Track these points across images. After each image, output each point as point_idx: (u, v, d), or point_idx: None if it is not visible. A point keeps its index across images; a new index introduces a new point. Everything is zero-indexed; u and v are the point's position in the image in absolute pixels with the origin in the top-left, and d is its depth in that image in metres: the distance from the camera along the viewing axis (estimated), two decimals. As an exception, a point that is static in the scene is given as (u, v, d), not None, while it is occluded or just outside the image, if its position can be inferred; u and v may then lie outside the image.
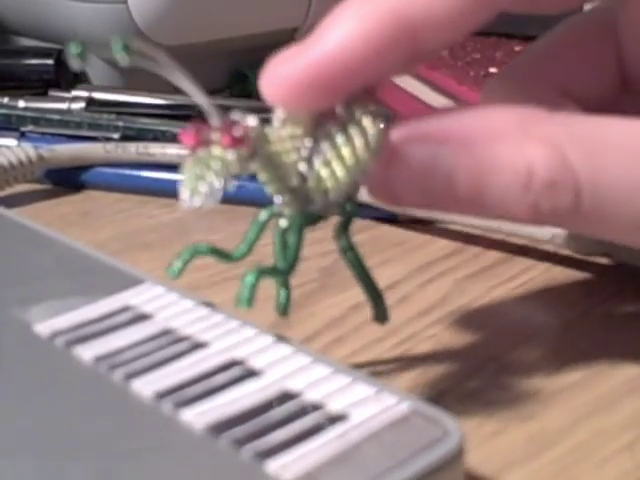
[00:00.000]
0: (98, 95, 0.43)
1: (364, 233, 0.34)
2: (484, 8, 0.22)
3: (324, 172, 0.21)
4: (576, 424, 0.23)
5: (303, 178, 0.21)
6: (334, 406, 0.19)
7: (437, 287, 0.30)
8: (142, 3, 0.43)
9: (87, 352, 0.21)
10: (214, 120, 0.20)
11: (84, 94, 0.43)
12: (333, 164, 0.21)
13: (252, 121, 0.21)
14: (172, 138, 0.39)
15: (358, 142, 0.21)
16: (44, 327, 0.22)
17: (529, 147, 0.21)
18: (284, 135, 0.22)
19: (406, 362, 0.26)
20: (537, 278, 0.31)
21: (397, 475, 0.17)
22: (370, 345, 0.27)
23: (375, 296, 0.24)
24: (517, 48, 0.46)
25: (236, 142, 0.20)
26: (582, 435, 0.23)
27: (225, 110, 0.20)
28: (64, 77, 0.46)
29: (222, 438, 0.18)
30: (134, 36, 0.20)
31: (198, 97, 0.20)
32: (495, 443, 0.23)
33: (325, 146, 0.21)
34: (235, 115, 0.21)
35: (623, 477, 0.22)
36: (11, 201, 0.36)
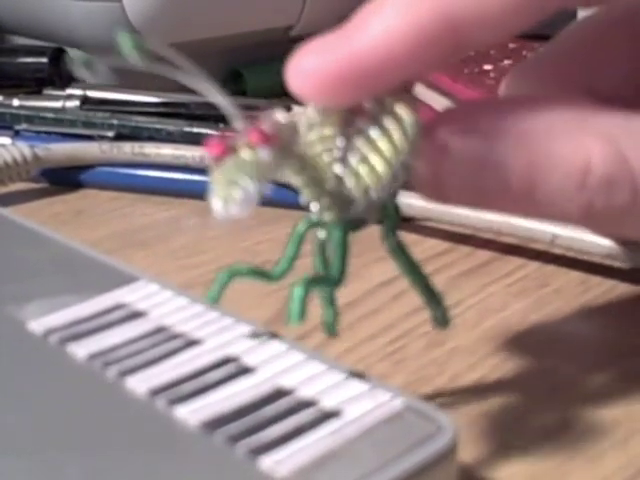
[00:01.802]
0: (92, 93, 0.43)
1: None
2: (538, 9, 0.21)
3: (362, 169, 0.20)
4: (572, 419, 0.23)
5: (340, 180, 0.20)
6: (328, 402, 0.19)
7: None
8: (136, 1, 0.43)
9: (81, 349, 0.21)
10: (238, 122, 0.19)
11: (78, 92, 0.43)
12: (371, 159, 0.20)
13: (281, 116, 0.19)
14: (167, 136, 0.39)
15: (395, 132, 0.20)
16: (38, 325, 0.22)
17: (586, 143, 0.20)
18: (313, 138, 0.20)
19: (400, 359, 0.26)
20: (531, 275, 0.31)
21: (391, 471, 0.17)
22: (364, 342, 0.27)
23: (433, 299, 0.22)
24: (511, 45, 0.46)
25: (267, 139, 0.19)
26: (577, 430, 0.23)
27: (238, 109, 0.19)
28: (58, 75, 0.46)
29: (216, 435, 0.18)
30: (137, 34, 0.19)
31: (218, 98, 0.19)
32: (489, 439, 0.23)
33: (359, 142, 0.20)
34: (261, 113, 0.19)
35: (617, 472, 0.22)
36: (5, 200, 0.36)
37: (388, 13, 0.20)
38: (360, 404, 0.19)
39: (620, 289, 0.30)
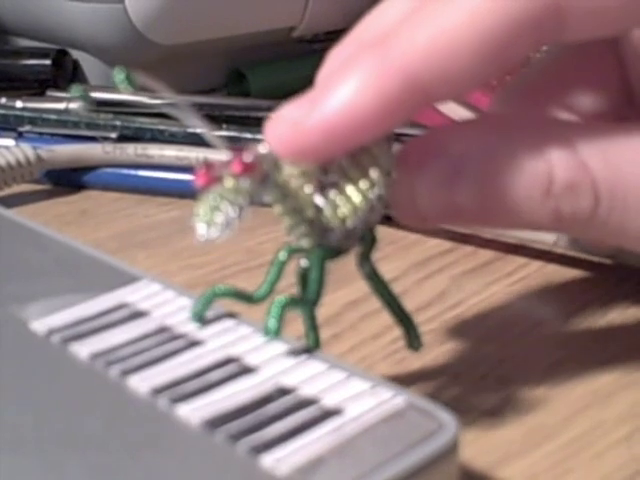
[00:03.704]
0: (95, 95, 0.43)
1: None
2: (498, 65, 0.21)
3: (339, 199, 0.21)
4: (573, 417, 0.23)
5: (319, 210, 0.21)
6: (329, 401, 0.19)
7: (434, 283, 0.30)
8: (139, 3, 0.43)
9: (83, 349, 0.21)
10: (223, 153, 0.20)
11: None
12: (347, 190, 0.21)
13: (262, 148, 0.21)
14: (170, 137, 0.39)
15: (369, 166, 0.21)
16: (40, 324, 0.22)
17: (548, 151, 0.21)
18: (294, 172, 0.21)
19: (402, 358, 0.26)
20: (533, 275, 0.31)
21: (392, 468, 0.17)
22: (367, 341, 0.27)
23: (406, 322, 0.23)
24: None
25: (247, 168, 0.20)
26: (579, 428, 0.23)
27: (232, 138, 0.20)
28: (62, 77, 0.46)
29: (218, 433, 0.18)
30: (135, 71, 0.20)
31: (204, 130, 0.21)
32: (492, 436, 0.23)
33: (337, 177, 0.21)
34: (245, 145, 0.21)
35: (620, 470, 0.22)
36: (9, 201, 0.36)
37: (357, 77, 0.21)
38: (362, 402, 0.19)
39: (623, 289, 0.30)
